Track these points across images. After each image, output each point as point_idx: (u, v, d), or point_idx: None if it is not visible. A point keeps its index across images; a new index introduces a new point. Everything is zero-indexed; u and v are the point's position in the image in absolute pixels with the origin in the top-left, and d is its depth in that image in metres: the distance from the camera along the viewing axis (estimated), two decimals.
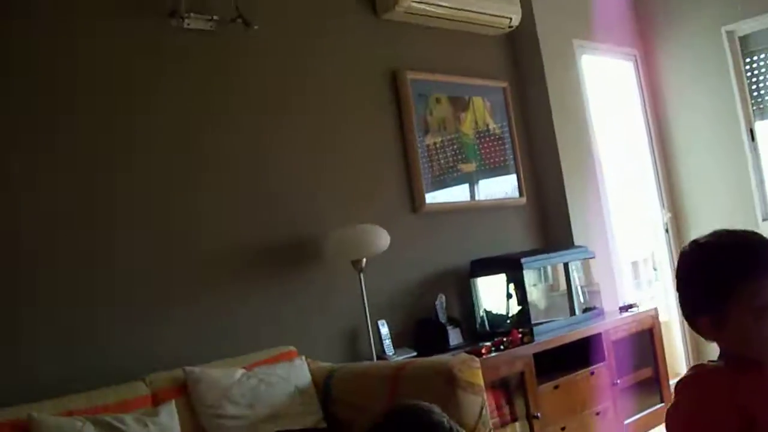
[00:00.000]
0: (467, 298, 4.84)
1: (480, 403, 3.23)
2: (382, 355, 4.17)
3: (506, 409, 4.16)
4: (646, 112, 6.20)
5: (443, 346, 4.37)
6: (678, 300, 1.76)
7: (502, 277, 4.78)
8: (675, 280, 1.76)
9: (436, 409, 1.60)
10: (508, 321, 4.70)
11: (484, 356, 4.03)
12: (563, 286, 5.07)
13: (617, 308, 5.09)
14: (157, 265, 3.64)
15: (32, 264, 3.30)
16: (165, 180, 3.74)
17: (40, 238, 3.34)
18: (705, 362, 1.71)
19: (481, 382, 3.27)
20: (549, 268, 5.12)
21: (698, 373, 1.68)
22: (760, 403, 1.58)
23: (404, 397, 3.20)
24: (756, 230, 1.73)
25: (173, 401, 3.24)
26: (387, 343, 4.26)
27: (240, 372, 3.46)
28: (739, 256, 1.66)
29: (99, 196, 3.53)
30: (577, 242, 5.29)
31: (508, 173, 5.30)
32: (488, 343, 4.19)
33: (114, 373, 3.32)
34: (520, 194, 5.32)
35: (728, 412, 1.57)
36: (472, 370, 3.25)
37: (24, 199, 3.32)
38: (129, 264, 3.56)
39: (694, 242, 1.74)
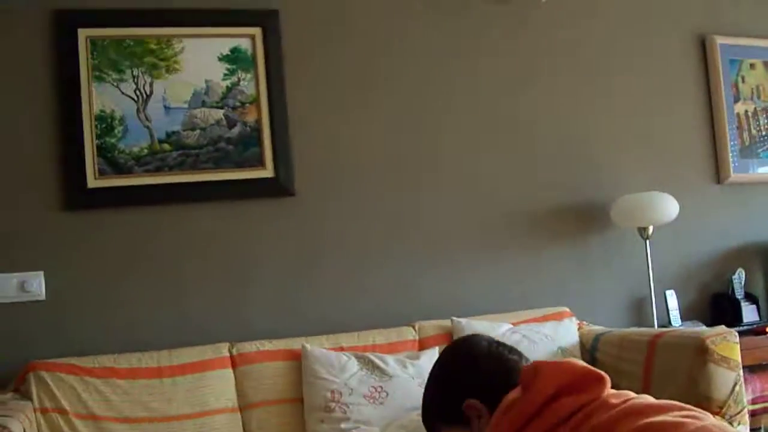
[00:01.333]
0: None
1: (734, 378, 3.11)
2: (666, 325, 4.11)
3: None
4: None
5: (735, 322, 4.21)
6: None
7: None
8: None
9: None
10: None
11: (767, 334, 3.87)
12: None
13: None
14: (441, 224, 3.92)
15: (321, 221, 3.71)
16: (465, 141, 4.01)
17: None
18: None
19: (738, 358, 3.14)
20: None
21: None
22: None
23: (659, 364, 3.21)
24: None
25: (437, 348, 3.47)
26: (674, 314, 4.18)
27: (506, 326, 3.60)
28: None
29: (406, 158, 3.90)
30: None
31: None
32: None
33: (387, 318, 3.64)
34: None
35: None
36: (729, 344, 3.13)
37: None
38: (414, 220, 3.87)
39: None
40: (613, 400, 1.52)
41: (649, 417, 1.43)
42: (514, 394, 1.61)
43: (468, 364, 1.83)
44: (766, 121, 4.70)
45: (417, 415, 3.16)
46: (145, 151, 3.45)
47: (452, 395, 1.77)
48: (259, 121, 3.60)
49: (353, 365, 3.24)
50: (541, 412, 1.53)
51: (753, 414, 3.96)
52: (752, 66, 4.69)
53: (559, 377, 1.57)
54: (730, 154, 4.54)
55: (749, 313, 4.31)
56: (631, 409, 1.47)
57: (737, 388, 3.12)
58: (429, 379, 1.92)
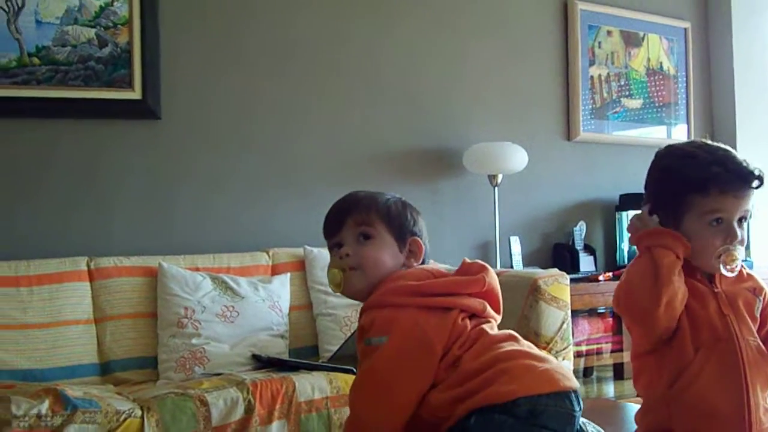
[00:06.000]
0: (610, 230, 4.93)
1: (562, 317, 3.38)
2: (508, 268, 4.37)
3: (616, 338, 4.29)
4: None
5: (573, 270, 4.50)
6: (644, 194, 1.90)
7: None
8: (646, 177, 1.90)
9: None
10: None
11: (599, 282, 4.18)
12: None
13: None
14: (301, 158, 4.07)
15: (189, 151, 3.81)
16: (331, 83, 4.18)
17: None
18: None
19: (567, 299, 3.42)
20: None
21: None
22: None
23: None
24: None
25: (288, 274, 3.64)
26: (517, 259, 4.45)
27: None
28: (700, 171, 1.79)
29: (272, 93, 3.99)
30: None
31: (677, 115, 5.27)
32: (610, 273, 4.32)
33: (242, 243, 3.79)
34: (688, 137, 5.28)
35: None
36: (560, 286, 3.41)
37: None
38: (276, 151, 4.00)
39: (669, 147, 1.88)
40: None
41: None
42: None
43: None
44: (617, 85, 5.01)
45: (266, 335, 3.35)
46: (14, 63, 3.46)
47: None
48: (130, 43, 3.65)
49: (207, 285, 3.38)
50: None
51: (587, 354, 4.30)
52: (609, 33, 4.98)
53: None
54: (582, 114, 4.83)
55: (586, 263, 4.63)
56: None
57: (564, 326, 3.40)
58: None
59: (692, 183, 1.79)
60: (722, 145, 1.85)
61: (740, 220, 1.79)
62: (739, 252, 1.78)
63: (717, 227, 1.77)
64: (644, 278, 1.76)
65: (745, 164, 1.79)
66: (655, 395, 1.81)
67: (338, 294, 3.50)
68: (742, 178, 1.77)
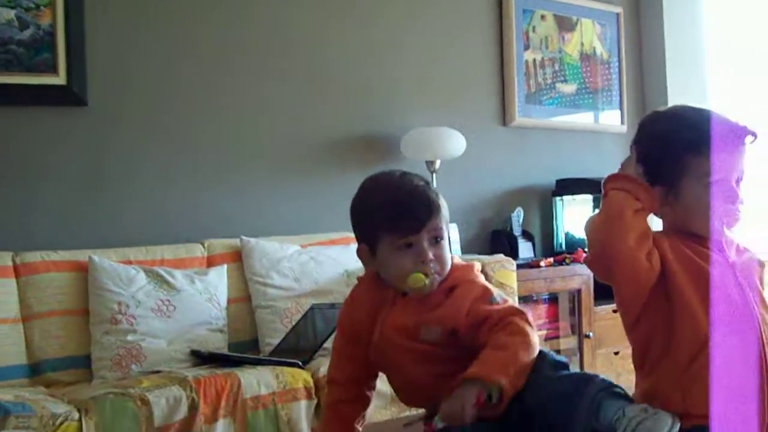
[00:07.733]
0: (547, 216, 4.89)
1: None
2: None
3: (559, 324, 4.25)
4: None
5: (512, 257, 4.45)
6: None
7: (586, 198, 4.77)
8: (633, 146, 1.82)
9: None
10: None
11: (541, 268, 4.13)
12: None
13: None
14: (236, 146, 3.92)
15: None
16: (268, 72, 4.03)
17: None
18: None
19: (514, 284, 3.38)
20: None
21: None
22: (677, 263, 1.71)
23: None
24: None
25: (225, 265, 3.50)
26: (455, 246, 4.37)
27: (294, 248, 3.67)
28: (694, 133, 1.73)
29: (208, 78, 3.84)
30: None
31: (610, 100, 5.26)
32: (551, 258, 4.28)
33: (176, 234, 3.64)
34: (621, 122, 5.29)
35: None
36: (506, 271, 3.37)
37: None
38: (209, 139, 3.85)
39: (656, 113, 1.82)
40: None
41: None
42: None
43: None
44: (551, 71, 4.97)
45: (204, 330, 3.21)
46: None
47: None
48: (53, 25, 3.46)
49: (141, 278, 3.23)
50: None
51: None
52: (543, 17, 4.94)
53: None
54: (517, 99, 4.78)
55: (525, 250, 4.58)
56: None
57: None
58: None
59: (685, 143, 1.73)
60: (706, 108, 1.80)
61: (738, 181, 1.73)
62: (741, 212, 1.74)
63: (716, 188, 1.71)
64: (599, 217, 1.74)
65: (735, 121, 1.74)
66: (666, 376, 1.72)
67: (282, 285, 3.45)
68: (734, 133, 1.73)
